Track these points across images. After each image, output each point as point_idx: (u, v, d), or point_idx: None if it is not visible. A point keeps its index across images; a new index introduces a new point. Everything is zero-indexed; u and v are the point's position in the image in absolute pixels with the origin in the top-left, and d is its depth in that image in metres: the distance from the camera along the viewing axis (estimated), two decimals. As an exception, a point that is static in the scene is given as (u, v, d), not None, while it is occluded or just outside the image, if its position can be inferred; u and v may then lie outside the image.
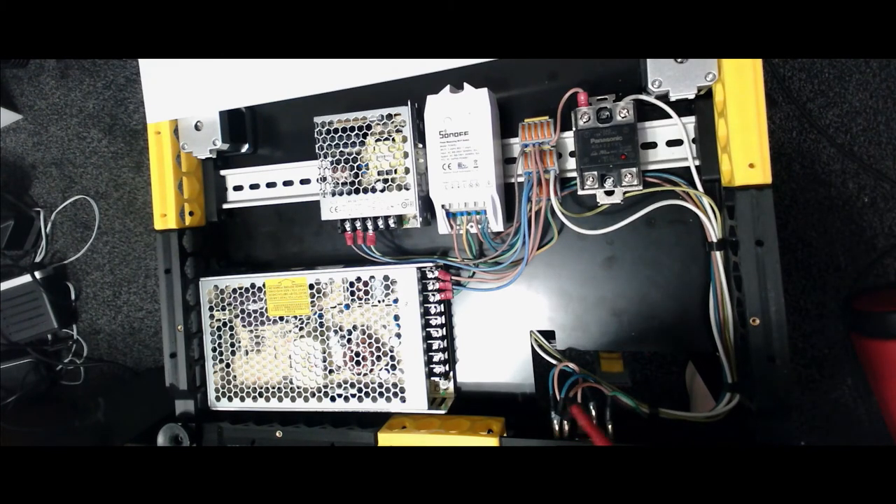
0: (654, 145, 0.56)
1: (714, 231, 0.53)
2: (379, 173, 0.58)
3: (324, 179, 0.59)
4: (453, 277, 0.61)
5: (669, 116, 0.54)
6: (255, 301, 0.63)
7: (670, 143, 0.55)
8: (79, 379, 1.10)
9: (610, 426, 0.52)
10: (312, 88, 0.63)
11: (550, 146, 0.54)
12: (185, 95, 0.66)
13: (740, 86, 0.50)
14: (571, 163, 0.57)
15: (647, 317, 0.57)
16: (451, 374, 0.61)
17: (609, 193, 0.54)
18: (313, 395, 0.60)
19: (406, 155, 0.57)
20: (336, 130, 0.59)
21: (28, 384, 1.03)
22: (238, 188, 0.70)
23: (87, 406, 0.93)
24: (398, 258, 0.63)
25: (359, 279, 0.59)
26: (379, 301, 0.59)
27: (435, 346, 0.59)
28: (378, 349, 0.59)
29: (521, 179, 0.57)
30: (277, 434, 0.60)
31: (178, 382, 0.65)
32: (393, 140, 0.57)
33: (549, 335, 0.60)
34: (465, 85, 0.55)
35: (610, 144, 0.53)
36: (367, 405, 0.59)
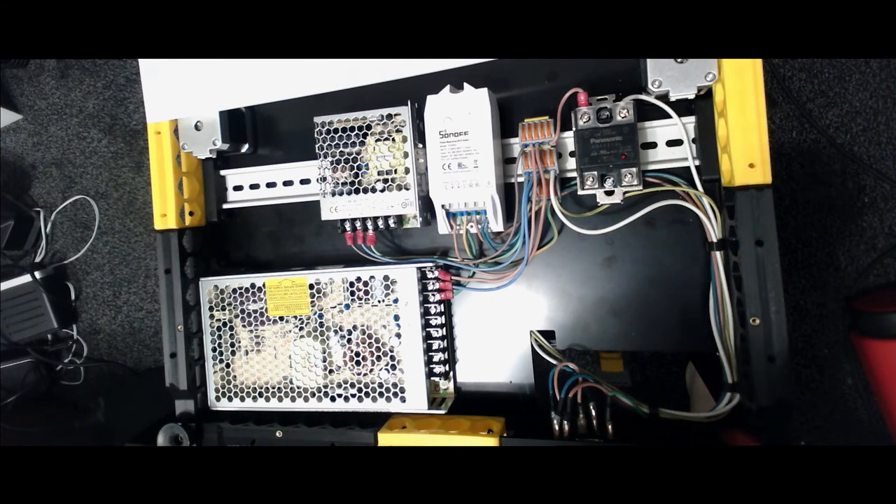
0: (654, 145, 0.56)
1: (714, 231, 0.53)
2: (379, 173, 0.58)
3: (324, 179, 0.59)
4: (453, 277, 0.61)
5: (669, 116, 0.54)
6: (255, 301, 0.63)
7: (670, 143, 0.55)
8: (79, 379, 1.10)
9: (610, 426, 0.52)
10: (312, 88, 0.63)
11: (550, 146, 0.54)
12: (185, 95, 0.66)
13: (740, 86, 0.50)
14: (571, 163, 0.57)
15: (647, 317, 0.57)
16: (451, 374, 0.61)
17: (609, 193, 0.54)
18: (313, 395, 0.60)
19: (406, 155, 0.57)
20: (336, 130, 0.59)
21: (28, 384, 1.03)
22: (238, 188, 0.70)
23: (87, 406, 0.93)
24: (398, 258, 0.63)
25: (359, 279, 0.59)
26: (379, 301, 0.59)
27: (435, 346, 0.59)
28: (378, 349, 0.59)
29: (521, 179, 0.57)
30: (277, 434, 0.60)
31: (178, 382, 0.65)
32: (393, 140, 0.58)
33: (549, 335, 0.60)
34: (465, 85, 0.55)
35: (610, 144, 0.53)
36: (367, 405, 0.59)
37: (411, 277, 0.58)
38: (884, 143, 0.72)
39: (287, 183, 0.68)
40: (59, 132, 1.13)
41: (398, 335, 0.58)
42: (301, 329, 0.61)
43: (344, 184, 0.59)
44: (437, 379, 0.60)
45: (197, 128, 0.66)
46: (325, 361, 0.60)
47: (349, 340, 0.59)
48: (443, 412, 0.58)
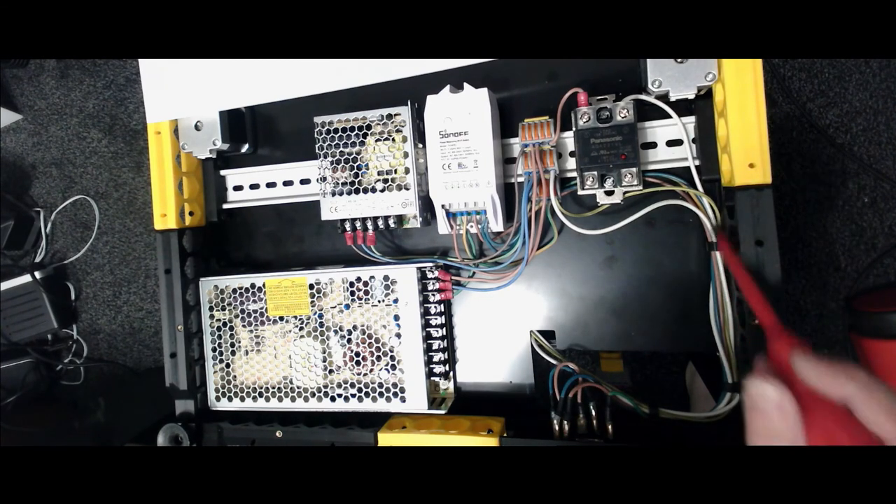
0: (654, 145, 0.56)
1: (714, 231, 0.53)
2: (379, 173, 0.58)
3: (324, 179, 0.59)
4: (453, 277, 0.61)
5: (669, 116, 0.54)
6: (255, 301, 0.63)
7: (670, 143, 0.55)
8: (79, 379, 1.10)
9: (610, 426, 0.52)
10: (312, 88, 0.63)
11: (550, 146, 0.54)
12: (185, 95, 0.66)
13: (740, 86, 0.50)
14: (571, 163, 0.57)
15: (647, 317, 0.57)
16: (451, 374, 0.61)
17: (609, 193, 0.54)
18: (313, 395, 0.60)
19: (406, 155, 0.57)
20: (336, 130, 0.59)
21: (28, 384, 1.03)
22: (238, 188, 0.70)
23: (87, 406, 0.93)
24: (398, 258, 0.63)
25: (359, 279, 0.59)
26: (379, 301, 0.59)
27: (435, 346, 0.59)
28: (378, 349, 0.59)
29: (521, 179, 0.57)
30: (277, 434, 0.60)
31: (178, 382, 0.65)
32: (393, 140, 0.58)
33: (549, 335, 0.60)
34: (465, 85, 0.55)
35: (610, 144, 0.53)
36: (367, 405, 0.59)
37: (411, 277, 0.58)
38: (884, 143, 0.72)
39: (287, 183, 0.68)
40: (59, 132, 1.13)
41: (398, 335, 0.58)
42: (301, 329, 0.61)
43: (344, 184, 0.59)
44: (437, 379, 0.60)
45: (197, 128, 0.66)
46: (325, 361, 0.60)
47: (349, 340, 0.59)
48: (443, 412, 0.58)
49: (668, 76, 0.52)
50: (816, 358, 0.33)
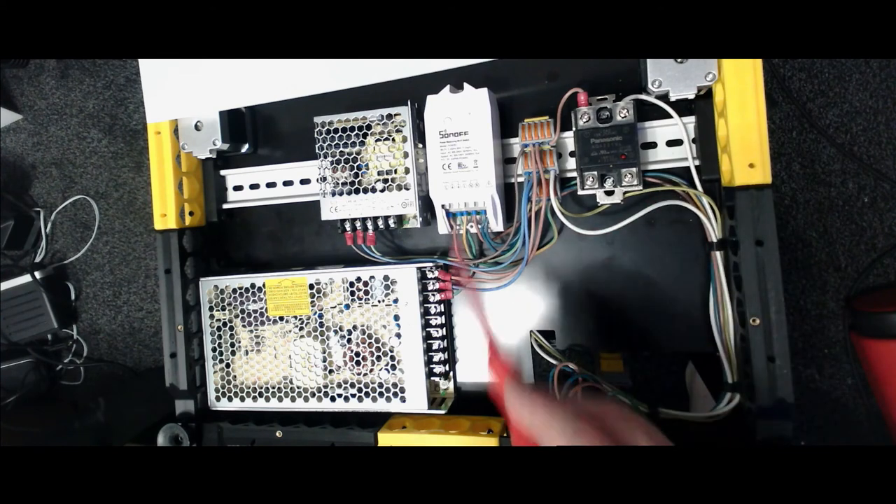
0: (654, 145, 0.56)
1: (714, 231, 0.53)
2: (379, 173, 0.58)
3: (324, 179, 0.59)
4: (453, 277, 0.61)
5: (669, 116, 0.54)
6: (255, 301, 0.63)
7: (670, 143, 0.55)
8: (79, 379, 1.09)
9: (610, 426, 0.51)
10: (312, 88, 0.63)
11: (550, 146, 0.54)
12: (185, 95, 0.66)
13: (740, 86, 0.50)
14: (571, 163, 0.57)
15: (647, 317, 0.57)
16: (451, 373, 0.61)
17: (609, 193, 0.54)
18: (313, 395, 0.60)
19: (406, 155, 0.57)
20: (336, 130, 0.59)
21: (28, 384, 1.03)
22: (238, 188, 0.70)
23: (87, 406, 0.93)
24: (398, 258, 0.63)
25: (359, 279, 0.59)
26: (379, 301, 0.59)
27: (435, 346, 0.59)
28: (378, 349, 0.59)
29: (521, 179, 0.57)
30: (277, 434, 0.60)
31: (178, 382, 0.65)
32: (393, 140, 0.58)
33: (549, 335, 0.60)
34: (465, 85, 0.55)
35: (610, 144, 0.53)
36: (367, 405, 0.59)
37: (411, 277, 0.58)
38: (884, 143, 0.72)
39: (287, 183, 0.68)
40: (59, 132, 1.13)
41: (398, 335, 0.58)
42: (301, 329, 0.61)
43: (344, 184, 0.59)
44: (437, 379, 0.60)
45: (197, 128, 0.66)
46: (325, 361, 0.60)
47: (349, 340, 0.59)
48: (443, 412, 0.58)
49: (668, 76, 0.52)
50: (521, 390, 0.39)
